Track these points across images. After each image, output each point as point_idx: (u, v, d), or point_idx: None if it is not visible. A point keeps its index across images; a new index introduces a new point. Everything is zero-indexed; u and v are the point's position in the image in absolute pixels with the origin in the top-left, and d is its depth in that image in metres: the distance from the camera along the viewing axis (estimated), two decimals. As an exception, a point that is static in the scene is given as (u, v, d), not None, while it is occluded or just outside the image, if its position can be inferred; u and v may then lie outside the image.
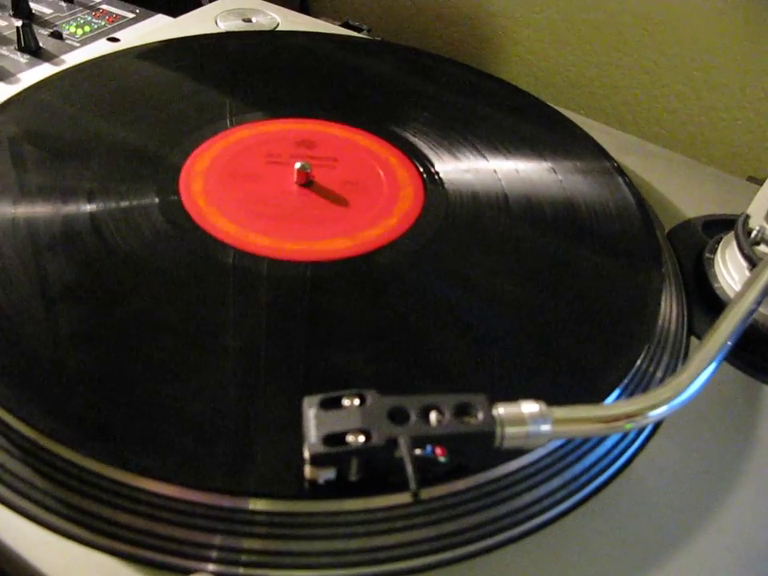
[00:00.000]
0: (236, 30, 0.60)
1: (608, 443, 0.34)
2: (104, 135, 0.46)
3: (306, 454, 0.28)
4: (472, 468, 0.31)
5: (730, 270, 0.43)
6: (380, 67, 0.56)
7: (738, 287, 0.42)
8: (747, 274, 0.42)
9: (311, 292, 0.37)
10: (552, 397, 0.29)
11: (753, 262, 0.42)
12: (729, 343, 0.34)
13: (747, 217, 0.44)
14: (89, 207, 0.40)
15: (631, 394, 0.36)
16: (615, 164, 0.48)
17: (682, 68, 0.61)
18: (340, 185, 0.44)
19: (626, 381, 0.35)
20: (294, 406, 0.29)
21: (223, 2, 0.64)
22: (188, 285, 0.37)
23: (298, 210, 0.42)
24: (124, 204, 0.41)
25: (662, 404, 0.30)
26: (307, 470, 0.28)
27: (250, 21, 0.63)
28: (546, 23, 0.64)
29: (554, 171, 0.47)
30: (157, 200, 0.41)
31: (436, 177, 0.45)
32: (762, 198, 0.44)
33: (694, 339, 0.41)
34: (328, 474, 0.28)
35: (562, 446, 0.33)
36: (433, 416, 0.28)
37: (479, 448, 0.29)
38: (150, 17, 0.63)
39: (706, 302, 0.43)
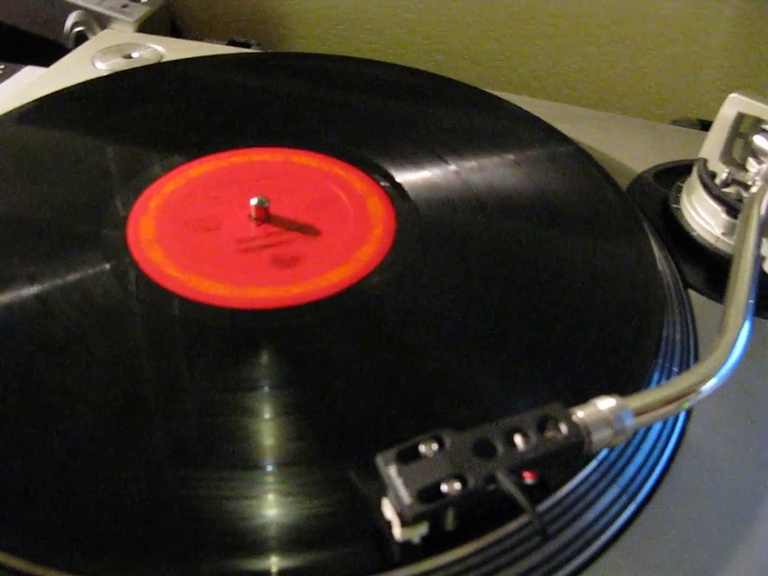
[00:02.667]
0: (120, 68, 0.55)
1: (651, 438, 0.33)
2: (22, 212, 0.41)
3: (394, 517, 0.25)
4: (552, 485, 0.29)
5: (702, 215, 0.43)
6: (289, 80, 0.53)
7: (716, 230, 0.42)
8: (723, 216, 0.42)
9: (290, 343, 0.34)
10: (593, 391, 0.28)
11: (726, 203, 0.42)
12: (751, 301, 0.33)
13: (705, 161, 0.44)
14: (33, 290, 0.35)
15: (668, 366, 0.35)
16: (573, 144, 0.47)
17: (581, 27, 0.61)
18: (302, 213, 0.41)
19: (660, 354, 0.34)
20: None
21: (96, 42, 0.59)
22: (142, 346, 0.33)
23: (262, 251, 0.38)
24: (72, 278, 0.36)
25: (711, 376, 0.30)
26: (399, 533, 0.26)
27: (130, 57, 0.58)
28: (439, 5, 0.63)
29: (516, 162, 0.45)
30: (108, 266, 0.37)
31: (398, 188, 0.43)
32: (713, 141, 0.45)
33: (691, 292, 0.41)
34: (422, 530, 0.26)
35: (607, 455, 0.31)
36: (518, 439, 0.26)
37: (567, 460, 0.27)
38: (17, 71, 0.57)
39: (687, 251, 0.43)
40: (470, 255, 0.39)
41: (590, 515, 0.30)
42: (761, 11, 0.56)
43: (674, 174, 0.49)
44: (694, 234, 0.43)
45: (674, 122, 0.56)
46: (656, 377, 0.34)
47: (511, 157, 0.45)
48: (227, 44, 0.61)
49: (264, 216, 0.40)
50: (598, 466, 0.30)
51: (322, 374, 0.33)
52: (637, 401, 0.28)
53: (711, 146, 0.45)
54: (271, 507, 0.28)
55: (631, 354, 0.34)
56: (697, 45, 0.59)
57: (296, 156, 0.45)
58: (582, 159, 0.45)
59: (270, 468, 0.29)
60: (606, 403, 0.28)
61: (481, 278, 0.37)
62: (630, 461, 0.32)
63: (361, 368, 0.33)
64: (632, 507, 0.31)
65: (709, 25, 0.57)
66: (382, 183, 0.43)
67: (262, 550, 0.27)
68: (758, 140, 0.43)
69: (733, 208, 0.41)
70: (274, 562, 0.26)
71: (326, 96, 0.50)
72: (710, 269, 0.42)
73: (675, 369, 0.36)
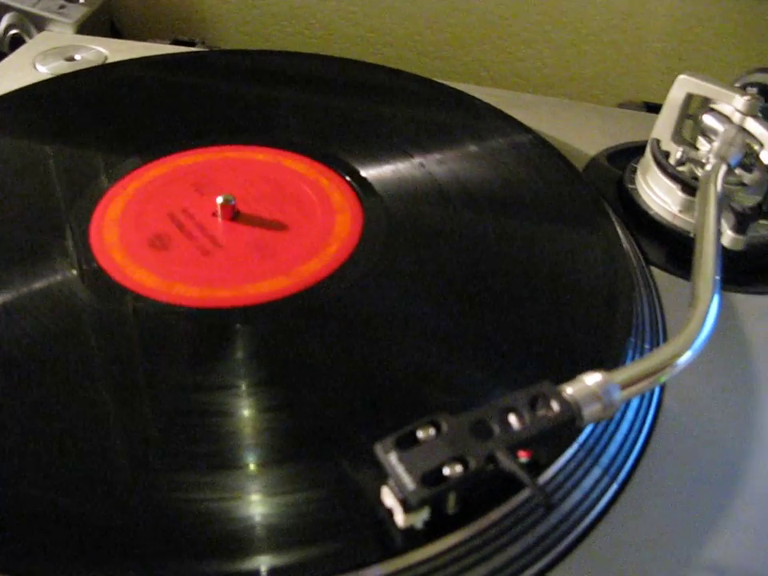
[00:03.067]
0: (63, 71, 0.54)
1: (629, 416, 0.34)
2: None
3: (396, 504, 0.25)
4: (544, 462, 0.29)
5: (658, 194, 0.45)
6: (236, 77, 0.52)
7: (673, 208, 0.44)
8: (679, 194, 0.43)
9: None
10: (573, 372, 0.28)
11: (682, 181, 0.43)
12: (717, 277, 0.34)
13: (657, 141, 0.46)
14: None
15: (640, 344, 0.36)
16: (532, 132, 0.48)
17: (524, 16, 0.62)
18: (269, 210, 0.40)
19: (633, 332, 0.35)
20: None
21: (35, 44, 0.57)
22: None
23: (231, 250, 0.38)
24: (39, 285, 0.35)
25: (686, 348, 0.30)
26: (401, 519, 0.26)
27: (73, 59, 0.56)
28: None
29: (479, 153, 0.45)
30: (74, 272, 0.36)
31: (363, 182, 0.42)
32: (664, 122, 0.46)
33: (654, 269, 0.42)
34: (424, 515, 0.26)
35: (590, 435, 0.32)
36: (513, 419, 0.27)
37: (560, 436, 0.28)
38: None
39: (645, 230, 0.44)
40: (439, 246, 0.39)
41: (575, 497, 0.30)
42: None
43: (626, 155, 0.50)
44: (651, 212, 0.44)
45: (620, 105, 0.57)
46: (630, 355, 0.35)
47: (474, 148, 0.45)
48: (171, 43, 0.60)
49: (231, 214, 0.39)
50: (579, 448, 0.31)
51: (298, 369, 0.33)
52: (621, 374, 0.29)
53: (662, 127, 0.46)
54: (260, 506, 0.28)
55: (606, 333, 0.35)
56: (637, 29, 0.60)
57: (257, 153, 0.45)
58: (541, 147, 0.46)
59: (253, 467, 0.29)
60: (592, 378, 0.28)
61: (451, 269, 0.38)
62: (611, 440, 0.32)
63: (338, 362, 0.33)
64: (614, 486, 0.31)
65: (648, 9, 0.59)
66: (347, 177, 0.43)
67: (255, 550, 0.26)
68: (707, 119, 0.44)
69: (688, 185, 0.43)
70: (266, 561, 0.26)
71: (281, 93, 0.50)
72: (670, 246, 0.43)
73: (647, 346, 0.37)
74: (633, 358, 0.35)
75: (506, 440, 0.26)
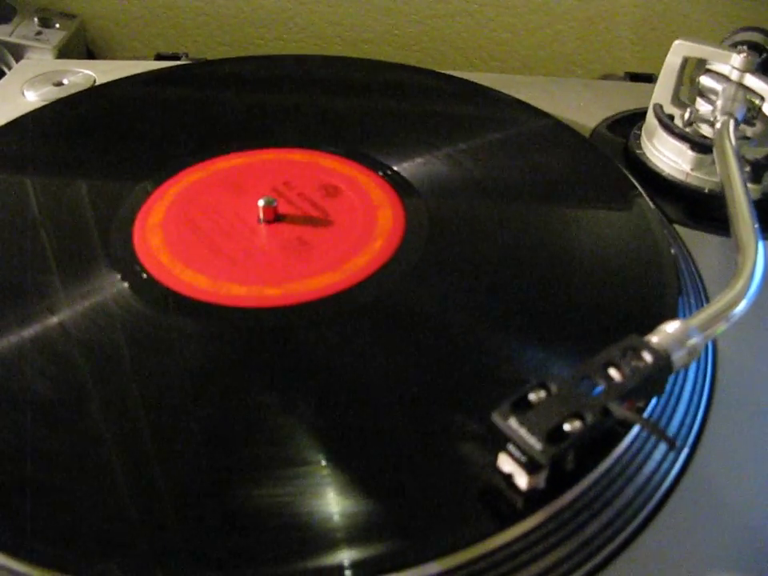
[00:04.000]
0: (55, 96, 0.53)
1: (688, 389, 0.34)
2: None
3: (516, 468, 0.26)
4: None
5: (667, 155, 0.47)
6: (252, 84, 0.53)
7: (685, 167, 0.46)
8: (690, 153, 0.45)
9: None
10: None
11: (691, 140, 0.45)
12: (756, 225, 0.36)
13: (660, 106, 0.48)
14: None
15: (687, 299, 0.37)
16: (552, 118, 0.49)
17: (500, 0, 0.63)
18: (312, 208, 0.41)
19: (681, 287, 0.37)
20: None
21: (19, 73, 0.56)
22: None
23: (275, 249, 0.38)
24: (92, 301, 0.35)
25: (746, 289, 0.32)
26: (525, 482, 0.27)
27: (61, 84, 0.56)
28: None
29: (505, 142, 0.46)
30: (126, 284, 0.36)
31: (400, 178, 0.43)
32: (663, 87, 0.48)
33: (677, 227, 0.44)
34: (545, 474, 0.27)
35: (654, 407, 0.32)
36: (612, 372, 0.28)
37: (656, 385, 0.29)
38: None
39: (659, 191, 0.46)
40: (481, 235, 0.40)
41: (642, 477, 0.30)
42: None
43: (625, 123, 0.52)
44: (664, 174, 0.46)
45: (603, 77, 0.60)
46: (681, 311, 0.36)
47: (499, 137, 0.47)
48: (155, 59, 0.60)
49: (273, 216, 0.40)
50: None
51: (366, 364, 0.33)
52: (696, 320, 0.30)
53: (662, 92, 0.48)
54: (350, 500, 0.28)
55: (660, 294, 0.36)
56: (608, 3, 0.62)
57: (293, 154, 0.45)
58: (561, 130, 0.48)
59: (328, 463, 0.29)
60: (672, 326, 0.30)
61: (496, 257, 0.38)
62: (674, 412, 0.33)
63: (402, 355, 0.34)
64: (684, 454, 0.32)
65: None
66: (382, 173, 0.43)
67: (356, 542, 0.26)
68: (705, 80, 0.47)
69: (698, 144, 0.45)
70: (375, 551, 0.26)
71: (301, 97, 0.51)
72: (686, 203, 0.45)
73: (692, 301, 0.38)
74: (684, 315, 0.36)
75: (615, 391, 0.27)
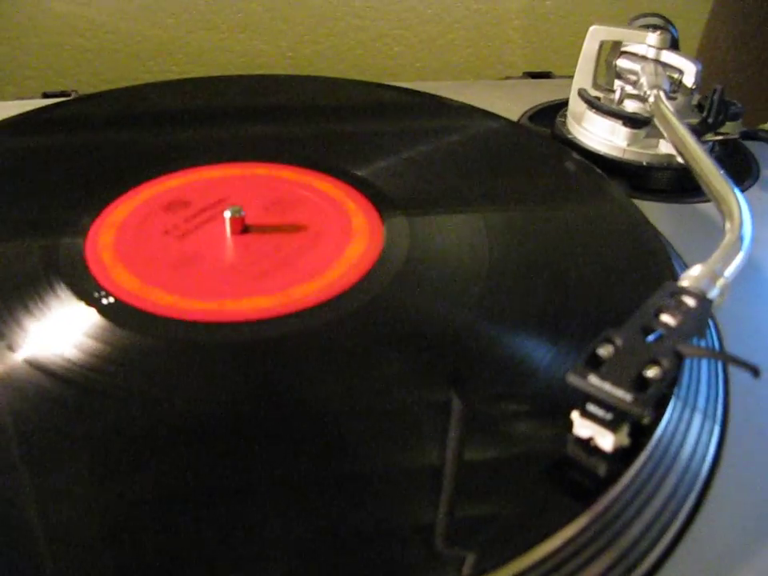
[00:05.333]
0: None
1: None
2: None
3: (599, 429, 0.25)
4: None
5: (600, 135, 0.48)
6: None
7: (621, 143, 0.47)
8: (624, 129, 0.47)
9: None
10: None
11: (623, 116, 0.47)
12: (722, 172, 0.38)
13: (584, 90, 0.49)
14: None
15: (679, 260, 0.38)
16: (502, 119, 0.49)
17: (392, 14, 0.64)
18: (278, 218, 0.38)
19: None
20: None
21: None
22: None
23: (253, 260, 0.36)
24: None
25: (745, 229, 0.33)
26: (610, 442, 0.26)
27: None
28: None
29: (463, 146, 0.46)
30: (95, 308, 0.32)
31: (365, 184, 0.41)
32: (583, 72, 0.50)
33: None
34: (626, 431, 0.26)
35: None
36: (666, 318, 0.28)
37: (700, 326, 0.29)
38: None
39: (603, 170, 0.47)
40: (462, 239, 0.38)
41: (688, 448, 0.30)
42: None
43: (544, 116, 0.54)
44: (601, 152, 0.48)
45: (506, 79, 0.61)
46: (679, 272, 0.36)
47: (457, 139, 0.46)
48: (42, 97, 0.55)
49: (241, 227, 0.37)
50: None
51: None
52: (713, 260, 0.31)
53: (582, 78, 0.50)
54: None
55: (656, 265, 0.36)
56: (495, 10, 0.64)
57: (242, 169, 0.43)
58: (513, 130, 0.48)
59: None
60: (697, 270, 0.30)
61: (485, 256, 0.37)
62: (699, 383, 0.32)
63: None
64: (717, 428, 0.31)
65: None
66: (346, 179, 0.41)
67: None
68: (622, 62, 0.49)
69: (630, 119, 0.46)
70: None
71: (275, 114, 0.49)
72: (628, 178, 0.47)
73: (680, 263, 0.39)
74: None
75: (678, 334, 0.27)
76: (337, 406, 0.28)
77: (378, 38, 0.64)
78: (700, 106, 0.48)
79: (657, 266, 0.36)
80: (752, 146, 0.52)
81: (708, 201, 0.45)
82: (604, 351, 0.26)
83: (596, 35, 0.49)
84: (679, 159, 0.45)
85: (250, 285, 0.34)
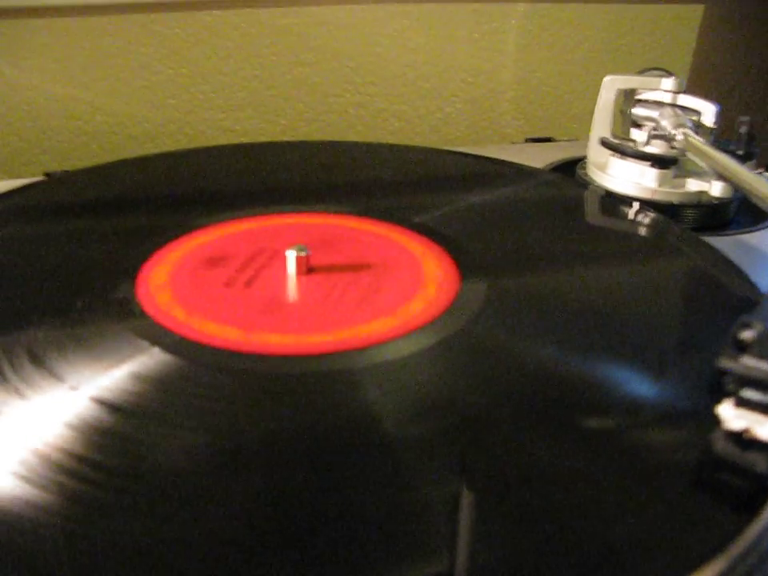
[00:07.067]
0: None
1: None
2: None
3: (755, 418, 0.24)
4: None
5: (629, 179, 0.48)
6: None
7: (652, 184, 0.47)
8: (653, 170, 0.47)
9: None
10: None
11: (651, 158, 0.47)
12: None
13: (606, 138, 0.50)
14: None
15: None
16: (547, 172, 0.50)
17: (390, 89, 0.65)
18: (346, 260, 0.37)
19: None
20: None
21: None
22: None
23: (321, 297, 0.34)
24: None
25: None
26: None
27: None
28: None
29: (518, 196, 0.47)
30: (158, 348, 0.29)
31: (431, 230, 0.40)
32: (600, 123, 0.51)
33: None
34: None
35: None
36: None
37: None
38: None
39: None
40: (538, 278, 0.37)
41: None
42: (535, 46, 0.65)
43: (560, 171, 0.54)
44: (631, 196, 0.48)
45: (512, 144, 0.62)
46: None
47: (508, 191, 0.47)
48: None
49: (306, 268, 0.35)
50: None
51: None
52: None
53: (600, 128, 0.51)
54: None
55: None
56: (490, 83, 0.66)
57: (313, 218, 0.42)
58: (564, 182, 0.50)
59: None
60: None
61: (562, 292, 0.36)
62: None
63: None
64: None
65: (496, 63, 0.65)
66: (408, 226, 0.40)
67: None
68: (638, 111, 0.50)
69: (658, 159, 0.47)
70: None
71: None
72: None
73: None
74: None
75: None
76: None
77: (378, 114, 0.65)
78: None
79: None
80: None
81: (735, 233, 0.46)
82: (747, 335, 0.25)
83: (611, 85, 0.50)
84: (712, 193, 0.46)
85: (346, 317, 0.32)
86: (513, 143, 0.61)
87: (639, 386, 0.30)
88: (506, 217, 0.44)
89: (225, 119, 0.63)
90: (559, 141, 0.62)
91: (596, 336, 0.32)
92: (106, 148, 0.61)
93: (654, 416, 0.28)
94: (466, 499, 0.23)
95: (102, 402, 0.26)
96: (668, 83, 0.49)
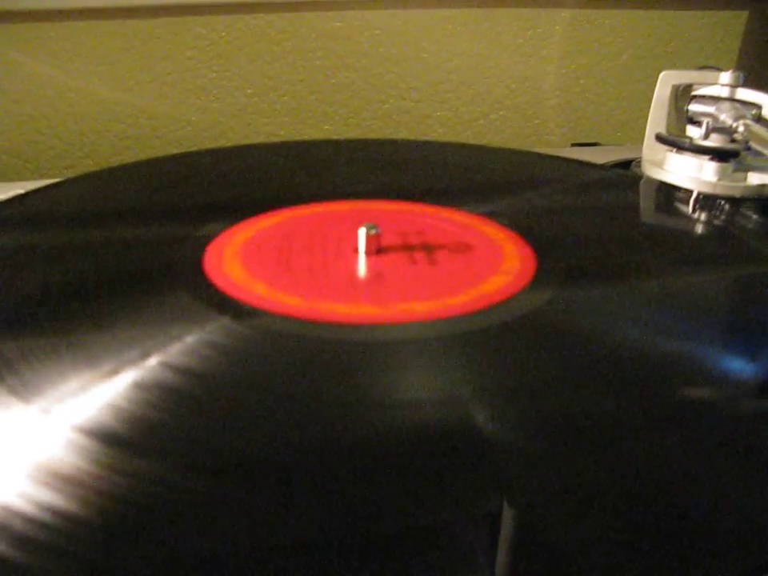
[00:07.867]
0: None
1: None
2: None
3: None
4: None
5: (688, 173, 0.47)
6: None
7: (712, 178, 0.46)
8: (713, 163, 0.46)
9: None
10: None
11: (710, 151, 0.46)
12: None
13: (661, 134, 0.49)
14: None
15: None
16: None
17: (434, 95, 0.64)
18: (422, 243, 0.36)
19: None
20: None
21: None
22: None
23: (394, 273, 0.33)
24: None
25: None
26: None
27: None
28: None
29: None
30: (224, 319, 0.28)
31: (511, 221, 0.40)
32: (656, 120, 0.50)
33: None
34: None
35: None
36: None
37: None
38: None
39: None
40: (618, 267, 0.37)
41: None
42: (579, 52, 0.65)
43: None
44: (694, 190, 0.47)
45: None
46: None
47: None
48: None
49: (375, 248, 0.34)
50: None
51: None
52: None
53: (655, 123, 0.50)
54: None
55: None
56: (533, 89, 0.66)
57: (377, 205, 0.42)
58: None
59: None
60: None
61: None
62: None
63: None
64: None
65: (539, 70, 0.65)
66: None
67: None
68: (695, 107, 0.49)
69: (718, 152, 0.46)
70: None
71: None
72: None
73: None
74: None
75: None
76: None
77: (422, 120, 0.65)
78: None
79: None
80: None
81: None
82: None
83: (666, 80, 0.49)
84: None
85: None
86: (559, 148, 0.61)
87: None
88: (585, 213, 0.44)
89: (268, 123, 0.63)
90: (606, 145, 0.61)
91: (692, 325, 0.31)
92: (148, 152, 0.61)
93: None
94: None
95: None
96: (726, 77, 0.48)
